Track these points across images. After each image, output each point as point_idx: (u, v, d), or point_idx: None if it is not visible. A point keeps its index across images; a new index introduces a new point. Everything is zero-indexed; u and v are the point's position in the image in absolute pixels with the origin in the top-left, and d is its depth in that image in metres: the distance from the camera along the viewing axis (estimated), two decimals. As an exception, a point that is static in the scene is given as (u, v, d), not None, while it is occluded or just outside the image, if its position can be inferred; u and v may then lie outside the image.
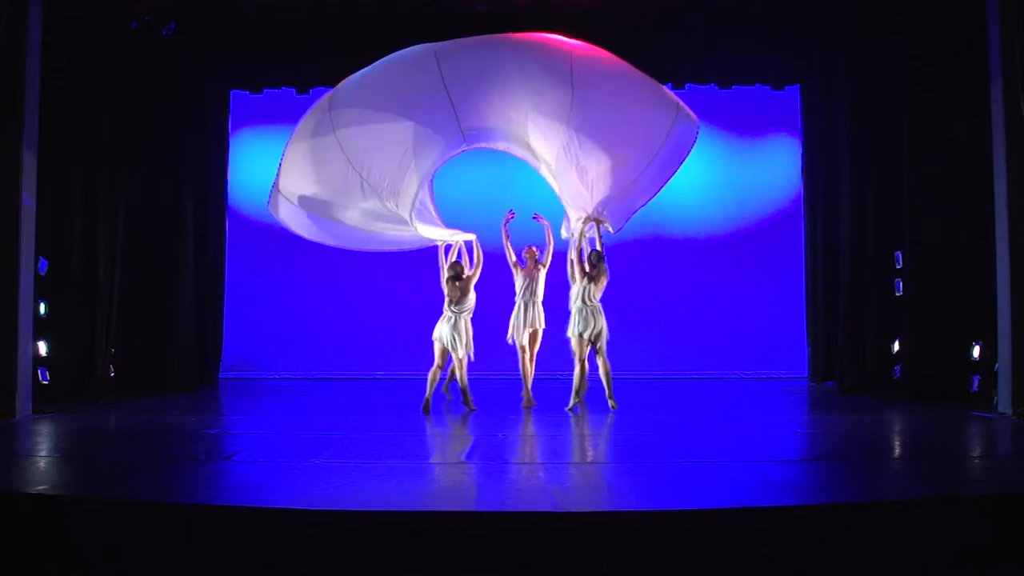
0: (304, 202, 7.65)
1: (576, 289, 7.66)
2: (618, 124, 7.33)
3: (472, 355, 7.81)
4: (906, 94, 8.74)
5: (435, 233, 7.97)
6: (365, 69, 7.59)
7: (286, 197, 7.68)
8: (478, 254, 7.92)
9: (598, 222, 7.71)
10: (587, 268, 7.62)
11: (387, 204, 7.34)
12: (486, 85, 7.24)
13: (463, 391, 7.86)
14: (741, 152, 11.35)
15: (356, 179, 7.31)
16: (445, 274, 7.84)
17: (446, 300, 7.76)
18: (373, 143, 7.25)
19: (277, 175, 7.73)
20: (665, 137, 7.36)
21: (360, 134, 7.26)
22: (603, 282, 7.68)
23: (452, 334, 7.64)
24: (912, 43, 8.64)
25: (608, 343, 8.42)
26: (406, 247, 8.39)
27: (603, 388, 7.88)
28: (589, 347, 7.64)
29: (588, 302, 7.57)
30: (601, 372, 7.82)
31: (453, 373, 8.58)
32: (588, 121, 7.22)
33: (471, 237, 8.04)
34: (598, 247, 7.74)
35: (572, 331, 7.64)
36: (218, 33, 9.44)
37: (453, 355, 7.75)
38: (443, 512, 4.08)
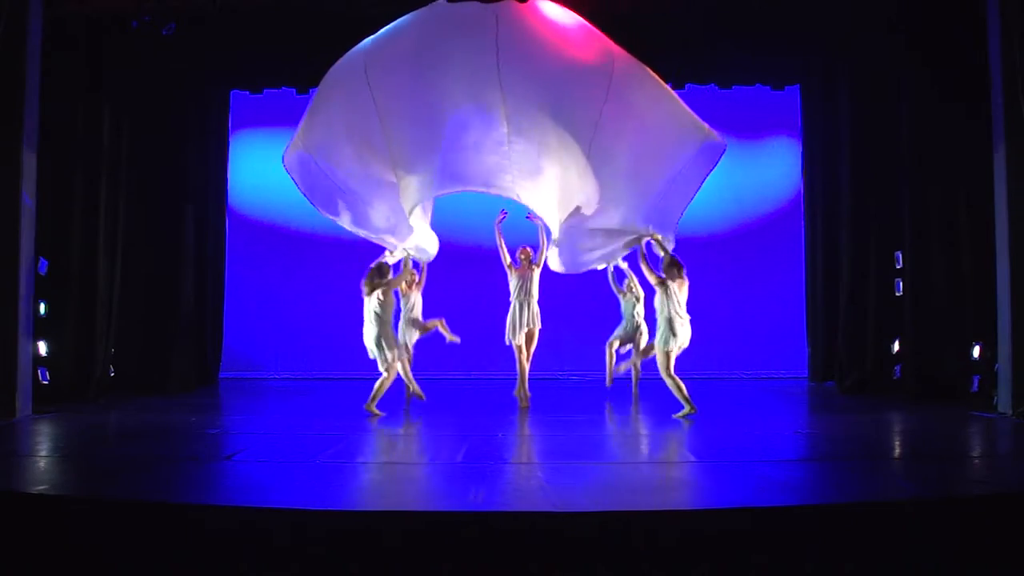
0: (322, 150, 7.17)
1: (660, 300, 7.35)
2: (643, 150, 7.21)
3: (399, 356, 7.56)
4: (906, 94, 8.74)
5: (416, 225, 7.76)
6: (410, 25, 7.11)
7: (304, 148, 7.20)
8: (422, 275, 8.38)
9: (655, 237, 7.47)
10: (664, 276, 7.31)
11: (397, 172, 7.13)
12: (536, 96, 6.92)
13: (374, 394, 7.54)
14: (741, 152, 11.34)
15: (384, 143, 6.99)
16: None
17: (371, 301, 7.46)
18: (408, 117, 6.94)
19: (301, 123, 7.30)
20: (692, 156, 7.19)
21: (398, 101, 6.91)
22: (684, 287, 7.38)
23: (374, 342, 7.43)
24: (912, 43, 8.65)
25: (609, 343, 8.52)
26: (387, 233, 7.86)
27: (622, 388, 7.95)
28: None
29: (679, 313, 7.29)
30: (634, 374, 8.02)
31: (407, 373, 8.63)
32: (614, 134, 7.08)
33: (424, 257, 8.12)
34: (666, 256, 7.48)
35: (661, 343, 7.34)
36: (218, 33, 9.44)
37: (380, 366, 7.50)
38: (442, 512, 4.08)
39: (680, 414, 7.32)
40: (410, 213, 7.15)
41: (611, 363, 8.92)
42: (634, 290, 8.82)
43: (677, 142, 7.15)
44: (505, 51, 6.75)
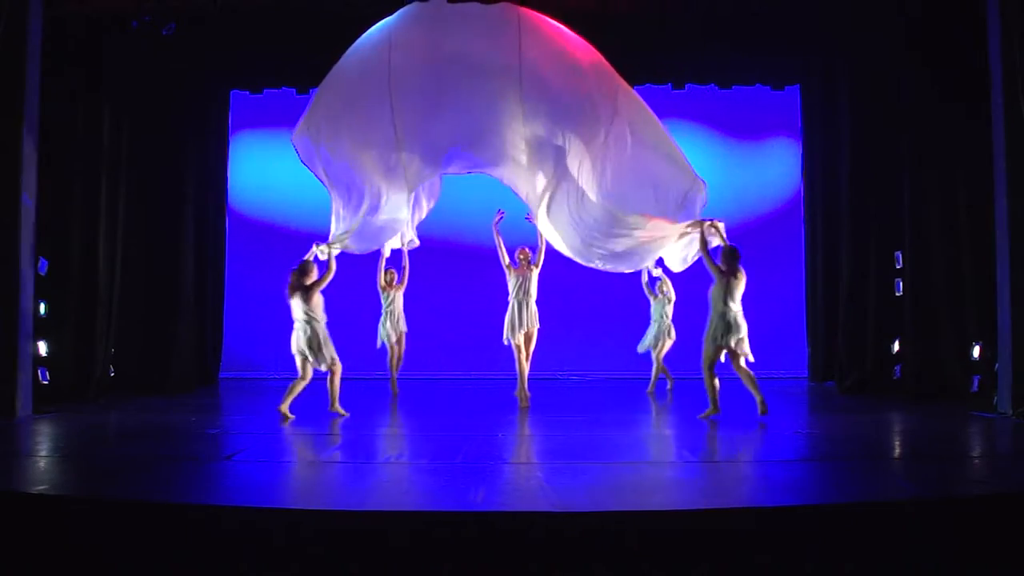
0: (328, 131, 7.25)
1: (717, 291, 7.00)
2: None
3: (337, 359, 7.40)
4: (906, 94, 8.74)
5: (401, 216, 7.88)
6: (435, 28, 7.20)
7: (312, 128, 7.29)
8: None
9: (714, 225, 7.20)
10: (723, 267, 7.02)
11: (401, 157, 7.23)
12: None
13: (332, 396, 7.49)
14: (741, 152, 11.36)
15: (391, 129, 7.14)
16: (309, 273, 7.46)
17: (299, 304, 7.37)
18: (423, 105, 7.12)
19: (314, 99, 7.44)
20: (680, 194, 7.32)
21: (415, 89, 7.09)
22: (743, 279, 7.01)
23: (306, 345, 7.31)
24: (912, 43, 8.65)
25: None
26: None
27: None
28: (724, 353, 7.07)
29: (730, 305, 6.95)
30: (745, 379, 7.29)
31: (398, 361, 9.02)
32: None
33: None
34: (723, 244, 7.18)
35: (713, 337, 7.03)
36: (218, 33, 9.44)
37: (321, 366, 7.36)
38: (442, 512, 4.08)
39: (704, 414, 7.19)
40: (412, 191, 7.31)
41: (657, 372, 9.16)
42: (666, 292, 9.06)
43: (670, 177, 7.32)
44: (528, 67, 7.00)
